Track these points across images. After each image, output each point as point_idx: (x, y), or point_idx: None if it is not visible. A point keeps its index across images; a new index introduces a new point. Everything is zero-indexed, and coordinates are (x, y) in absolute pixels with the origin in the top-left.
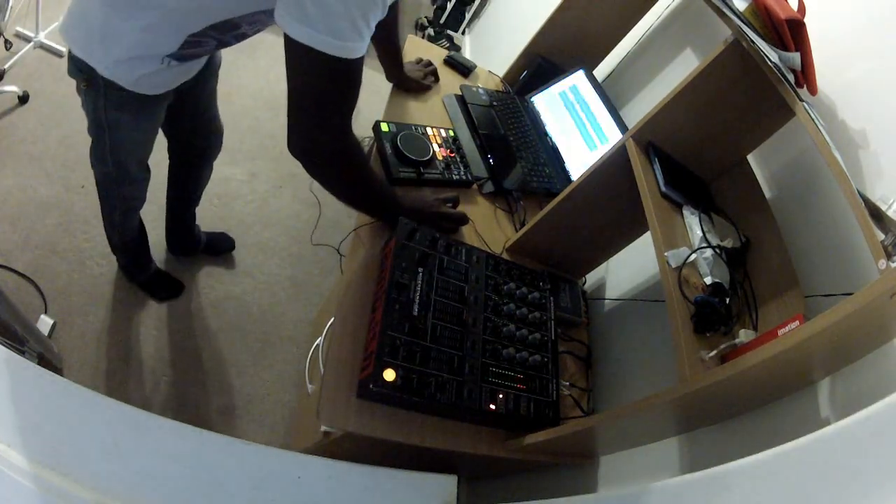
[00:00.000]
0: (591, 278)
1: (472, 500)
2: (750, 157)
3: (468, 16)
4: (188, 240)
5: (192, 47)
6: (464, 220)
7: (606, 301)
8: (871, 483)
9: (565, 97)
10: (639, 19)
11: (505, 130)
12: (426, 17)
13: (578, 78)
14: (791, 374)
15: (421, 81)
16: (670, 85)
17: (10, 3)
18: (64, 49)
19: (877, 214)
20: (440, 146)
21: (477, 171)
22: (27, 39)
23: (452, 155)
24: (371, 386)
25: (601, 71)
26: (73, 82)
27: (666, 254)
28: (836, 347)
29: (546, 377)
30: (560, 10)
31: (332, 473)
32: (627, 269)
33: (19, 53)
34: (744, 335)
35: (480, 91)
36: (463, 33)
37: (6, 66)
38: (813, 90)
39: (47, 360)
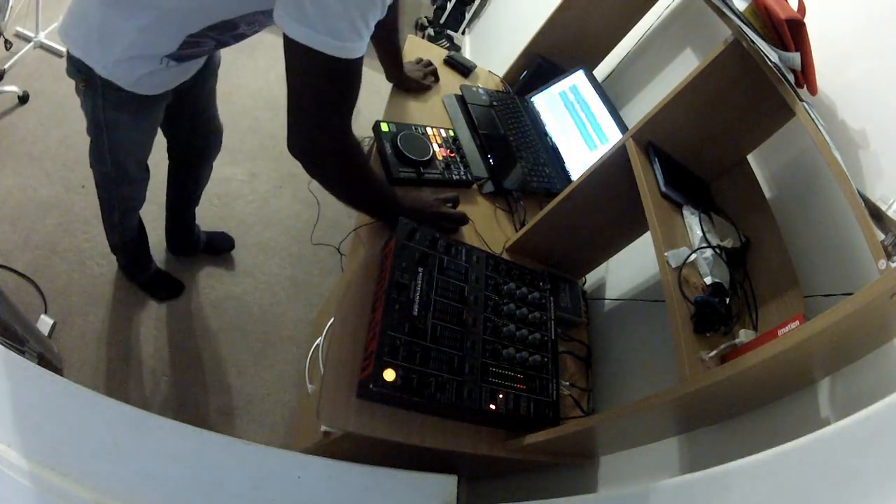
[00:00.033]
0: (591, 278)
1: (472, 500)
2: (750, 157)
3: (468, 16)
4: (188, 240)
5: (190, 48)
6: (464, 220)
7: (606, 301)
8: (871, 483)
9: (565, 97)
10: (639, 19)
11: (505, 130)
12: (426, 17)
13: (578, 78)
14: (791, 374)
15: (421, 81)
16: (670, 85)
17: (10, 3)
18: (64, 49)
19: (877, 214)
20: (440, 146)
21: (477, 171)
22: (27, 39)
23: (452, 155)
24: (371, 386)
25: (601, 71)
26: (73, 82)
27: (666, 254)
28: (836, 347)
29: (546, 377)
30: (560, 10)
31: (332, 473)
32: (627, 269)
33: (19, 53)
34: (744, 335)
35: (480, 91)
36: (463, 33)
37: (6, 66)
38: (813, 90)
39: (47, 360)
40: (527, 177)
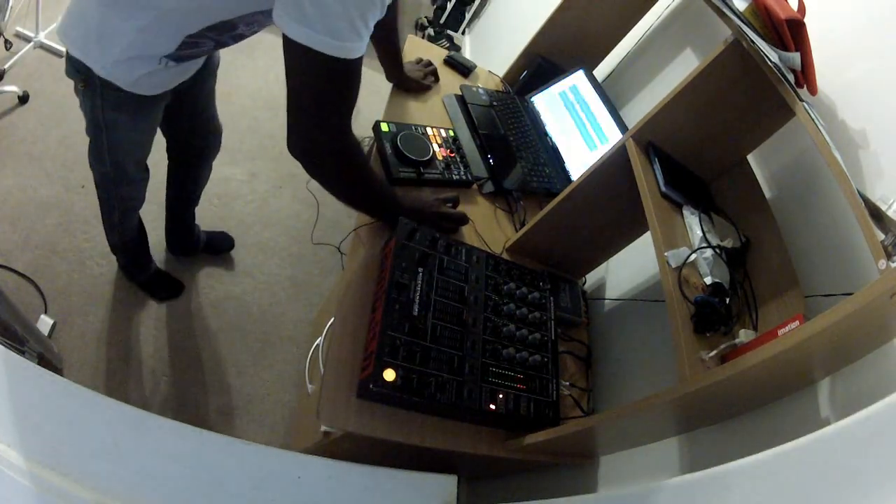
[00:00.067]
0: (591, 278)
1: (472, 500)
2: (750, 157)
3: (468, 16)
4: (188, 240)
5: (189, 48)
6: (464, 220)
7: (606, 301)
8: (871, 483)
9: (565, 97)
10: (639, 19)
11: (505, 130)
12: (426, 17)
13: (578, 78)
14: (791, 374)
15: (421, 81)
16: (670, 85)
17: (10, 3)
18: (64, 49)
19: (877, 214)
20: (440, 146)
21: (477, 171)
22: (27, 39)
23: (452, 155)
24: (371, 386)
25: (601, 71)
26: (73, 82)
27: (666, 254)
28: (836, 347)
29: (546, 377)
30: (560, 10)
31: (332, 473)
32: (627, 269)
33: (19, 53)
34: (744, 335)
35: (480, 91)
36: (463, 33)
37: (6, 66)
38: (813, 90)
39: (47, 360)
40: (527, 177)
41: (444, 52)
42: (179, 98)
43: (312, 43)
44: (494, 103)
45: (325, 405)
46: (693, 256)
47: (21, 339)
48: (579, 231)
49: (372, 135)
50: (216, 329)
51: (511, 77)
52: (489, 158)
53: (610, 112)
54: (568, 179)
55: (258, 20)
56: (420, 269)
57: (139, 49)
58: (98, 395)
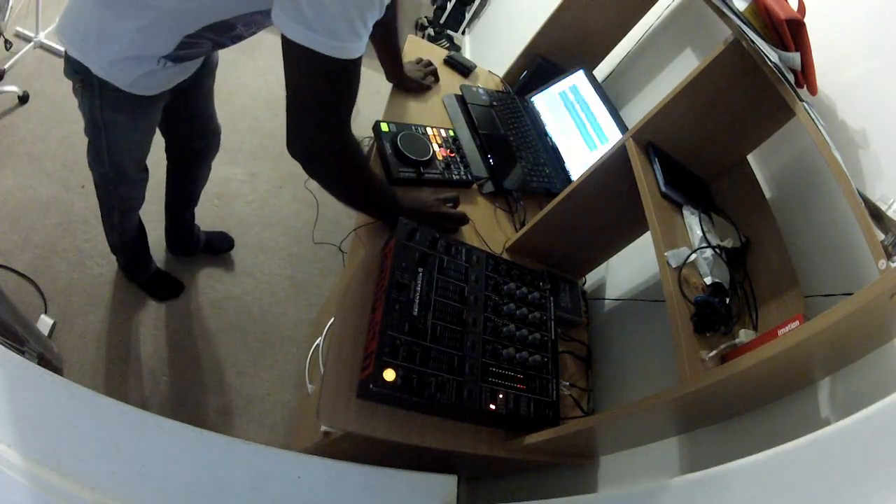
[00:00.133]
0: (591, 278)
1: (472, 500)
2: (750, 157)
3: (468, 16)
4: (187, 240)
5: (187, 48)
6: (464, 220)
7: (606, 301)
8: (871, 483)
9: (565, 97)
10: (639, 19)
11: (505, 130)
12: (426, 17)
13: (578, 78)
14: (791, 374)
15: (421, 81)
16: (670, 85)
17: (10, 3)
18: (63, 49)
19: (877, 214)
20: (440, 146)
21: (477, 171)
22: (27, 39)
23: (452, 155)
24: (371, 386)
25: (601, 71)
26: (72, 83)
27: (666, 254)
28: (836, 347)
29: (546, 377)
30: (560, 10)
31: (332, 473)
32: (627, 269)
33: (19, 53)
34: (744, 335)
35: (480, 91)
36: (463, 33)
37: (6, 66)
38: (813, 90)
39: (47, 360)
40: (527, 177)
41: (444, 52)
42: (178, 98)
43: (311, 43)
44: (494, 103)
45: (325, 405)
46: (693, 256)
47: (21, 339)
48: (579, 231)
49: (372, 135)
50: (216, 329)
51: (511, 77)
52: (489, 158)
53: (610, 112)
54: (568, 179)
55: (257, 21)
56: (420, 269)
57: (137, 49)
58: (98, 395)
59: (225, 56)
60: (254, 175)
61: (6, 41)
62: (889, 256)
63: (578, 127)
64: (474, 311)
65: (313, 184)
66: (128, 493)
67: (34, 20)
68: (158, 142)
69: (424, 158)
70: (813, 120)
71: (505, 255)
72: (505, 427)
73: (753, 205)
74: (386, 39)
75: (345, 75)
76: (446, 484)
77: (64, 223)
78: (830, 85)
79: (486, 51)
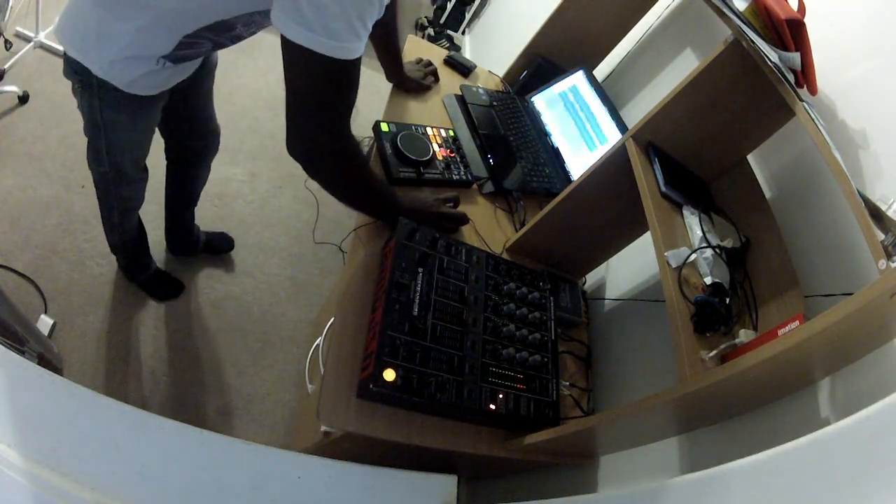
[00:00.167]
0: (591, 278)
1: (472, 500)
2: (750, 157)
3: (468, 16)
4: (187, 240)
5: (186, 49)
6: (464, 220)
7: (606, 301)
8: (871, 483)
9: (565, 97)
10: (639, 19)
11: (505, 130)
12: (426, 17)
13: (578, 78)
14: (791, 374)
15: (421, 81)
16: (670, 85)
17: (10, 3)
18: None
19: (877, 214)
20: (440, 146)
21: (477, 171)
22: (27, 39)
23: (452, 155)
24: (371, 386)
25: (601, 71)
26: (71, 83)
27: (666, 254)
28: (836, 347)
29: (546, 377)
30: (560, 10)
31: (332, 473)
32: (627, 269)
33: (19, 53)
34: (744, 335)
35: (480, 91)
36: (463, 33)
37: (6, 66)
38: (813, 90)
39: (47, 360)
40: (527, 177)
41: (444, 52)
42: (177, 98)
43: (310, 44)
44: (494, 103)
45: (325, 405)
46: (693, 256)
47: (21, 339)
48: (579, 231)
49: (372, 135)
50: (216, 329)
51: (511, 77)
52: (489, 158)
53: (610, 112)
54: (568, 179)
55: (256, 21)
56: (420, 269)
57: (136, 49)
58: (98, 395)
59: (225, 56)
60: (254, 175)
61: (6, 41)
62: (889, 256)
63: (578, 127)
64: (474, 311)
65: (313, 184)
66: (128, 493)
67: (34, 20)
68: (158, 142)
69: (424, 158)
70: (813, 120)
71: (505, 255)
72: (505, 427)
73: (753, 205)
74: (386, 39)
75: (344, 75)
76: (446, 484)
77: (64, 223)
78: (830, 85)
79: (486, 51)
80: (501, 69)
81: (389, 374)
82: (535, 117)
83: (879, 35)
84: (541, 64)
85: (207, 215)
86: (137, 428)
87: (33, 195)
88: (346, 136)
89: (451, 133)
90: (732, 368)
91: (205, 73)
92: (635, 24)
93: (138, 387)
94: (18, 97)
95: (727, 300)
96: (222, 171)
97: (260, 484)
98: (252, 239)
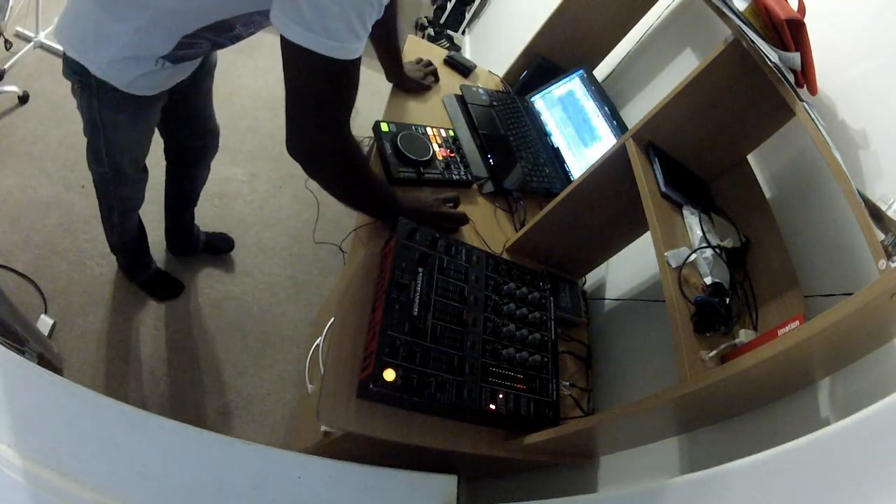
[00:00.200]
0: (591, 278)
1: (472, 500)
2: (750, 157)
3: (468, 16)
4: (187, 240)
5: (186, 49)
6: (464, 220)
7: (606, 301)
8: (871, 483)
9: (565, 97)
10: (639, 19)
11: (505, 130)
12: (426, 17)
13: (578, 78)
14: (791, 374)
15: (421, 81)
16: (670, 85)
17: (10, 3)
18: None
19: (877, 214)
20: (440, 146)
21: (477, 171)
22: (27, 39)
23: (452, 155)
24: (371, 386)
25: (601, 71)
26: (70, 83)
27: (666, 254)
28: (836, 347)
29: (546, 377)
30: (560, 11)
31: (332, 473)
32: (627, 269)
33: (19, 53)
34: (744, 335)
35: (480, 91)
36: (463, 33)
37: (6, 66)
38: (813, 90)
39: (47, 360)
40: (527, 177)
41: (444, 52)
42: (176, 98)
43: (310, 44)
44: (494, 103)
45: (325, 405)
46: (693, 256)
47: (21, 339)
48: (579, 231)
49: (372, 135)
50: (216, 329)
51: (511, 77)
52: (489, 158)
53: (610, 112)
54: (568, 179)
55: (255, 21)
56: (420, 269)
57: (136, 50)
58: (98, 395)
59: (224, 56)
60: (254, 175)
61: (6, 41)
62: (889, 256)
63: (579, 127)
64: (474, 311)
65: (314, 184)
66: (128, 493)
67: (34, 20)
68: (158, 142)
69: (424, 158)
70: (813, 120)
71: (505, 255)
72: (505, 427)
73: (753, 205)
74: (386, 39)
75: (344, 76)
76: (446, 484)
77: (64, 223)
78: (830, 85)
79: (486, 51)
80: (501, 69)
81: (389, 374)
82: (535, 117)
83: (879, 35)
84: (541, 64)
85: (207, 215)
86: (137, 428)
87: (33, 195)
88: (345, 136)
89: (451, 133)
90: (732, 368)
91: (204, 73)
92: (635, 24)
93: (138, 387)
94: (18, 97)
95: (727, 300)
96: (222, 171)
97: (260, 484)
98: (252, 239)
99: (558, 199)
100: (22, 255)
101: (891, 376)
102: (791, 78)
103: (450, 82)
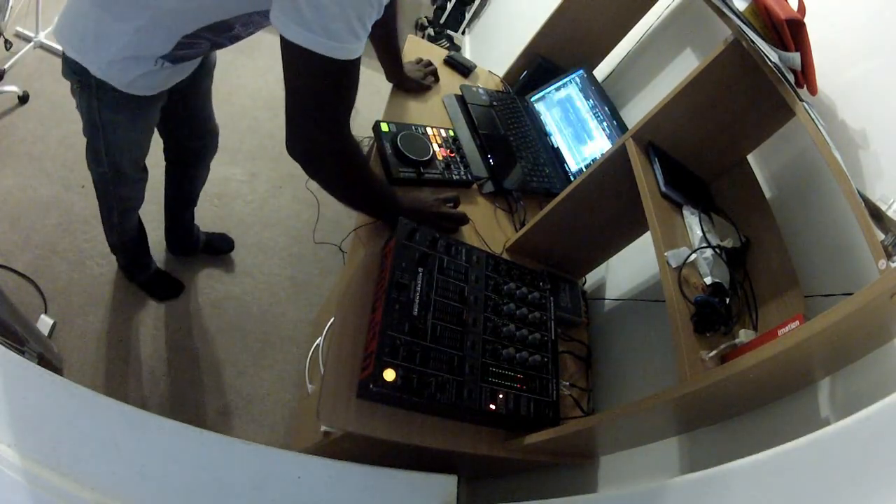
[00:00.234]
0: (591, 278)
1: (472, 500)
2: (750, 157)
3: (468, 16)
4: (187, 240)
5: (185, 49)
6: (464, 220)
7: (606, 301)
8: (871, 483)
9: (565, 97)
10: (639, 19)
11: (505, 130)
12: (426, 17)
13: (578, 78)
14: (791, 374)
15: (421, 81)
16: (670, 85)
17: (10, 3)
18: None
19: (877, 214)
20: (440, 146)
21: (477, 171)
22: (27, 39)
23: (452, 155)
24: (371, 386)
25: (601, 71)
26: (70, 83)
27: (666, 254)
28: (836, 347)
29: (546, 377)
30: (560, 10)
31: (332, 473)
32: (627, 269)
33: (19, 53)
34: (744, 335)
35: (480, 91)
36: (463, 33)
37: (6, 66)
38: (813, 90)
39: (47, 360)
40: (527, 177)
41: (444, 52)
42: (176, 98)
43: (310, 44)
44: (494, 103)
45: (325, 405)
46: (693, 256)
47: (21, 339)
48: (579, 231)
49: (372, 135)
50: (216, 329)
51: (511, 77)
52: (489, 158)
53: (610, 112)
54: (568, 179)
55: (255, 21)
56: (420, 269)
57: (135, 49)
58: (98, 395)
59: (224, 56)
60: (253, 175)
61: (6, 41)
62: (889, 256)
63: (578, 126)
64: (474, 311)
65: (314, 184)
66: (128, 493)
67: (34, 20)
68: (157, 142)
69: (424, 158)
70: (813, 120)
71: (505, 255)
72: (505, 427)
73: (753, 205)
74: (386, 40)
75: (344, 76)
76: (446, 484)
77: (64, 223)
78: (830, 85)
79: (486, 51)
80: (501, 69)
81: (389, 374)
82: (535, 117)
83: (879, 35)
84: (541, 64)
85: (207, 215)
86: (137, 428)
87: (33, 195)
88: (345, 136)
89: (451, 133)
90: (732, 368)
91: (203, 73)
92: (635, 24)
93: (138, 387)
94: (18, 97)
95: (727, 300)
96: (222, 171)
97: (260, 484)
98: (252, 239)
99: (558, 199)
100: (22, 255)
101: (891, 376)
102: (791, 78)
103: (450, 82)
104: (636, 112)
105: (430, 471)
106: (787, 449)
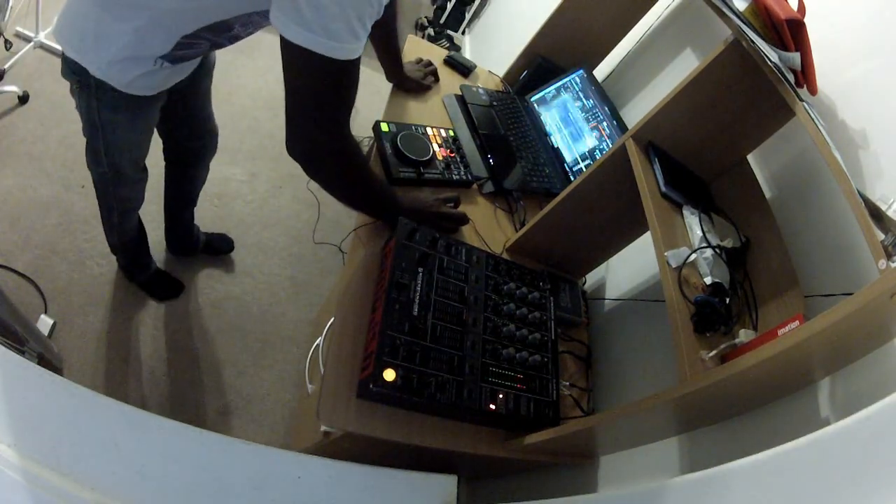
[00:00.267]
0: (591, 278)
1: (472, 500)
2: (750, 157)
3: (468, 16)
4: (187, 240)
5: (185, 49)
6: (464, 220)
7: (606, 301)
8: (871, 483)
9: (565, 97)
10: (639, 19)
11: (505, 130)
12: (426, 17)
13: (578, 77)
14: (791, 374)
15: (421, 81)
16: (670, 85)
17: (10, 3)
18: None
19: (877, 214)
20: (440, 146)
21: (477, 171)
22: (27, 39)
23: (452, 155)
24: (371, 386)
25: (601, 71)
26: (69, 83)
27: (666, 254)
28: (836, 347)
29: (546, 377)
30: (560, 10)
31: (332, 473)
32: (627, 269)
33: (19, 53)
34: (744, 335)
35: (480, 91)
36: (463, 33)
37: (6, 66)
38: (813, 90)
39: (47, 360)
40: (527, 177)
41: (444, 52)
42: (175, 99)
43: (309, 44)
44: (494, 103)
45: (325, 405)
46: (693, 256)
47: (21, 339)
48: (579, 231)
49: (372, 135)
50: (216, 329)
51: (511, 77)
52: (489, 158)
53: (610, 112)
54: (568, 179)
55: (255, 21)
56: (420, 269)
57: (134, 50)
58: (98, 395)
59: (224, 56)
60: (253, 175)
61: (6, 41)
62: (889, 256)
63: (578, 127)
64: (474, 311)
65: (315, 184)
66: (128, 493)
67: (34, 20)
68: (157, 142)
69: (424, 158)
70: (813, 120)
71: (505, 255)
72: (505, 427)
73: (753, 205)
74: (386, 40)
75: (343, 76)
76: (446, 484)
77: (64, 223)
78: (830, 85)
79: (486, 51)
80: (501, 69)
81: (389, 374)
82: (535, 117)
83: (879, 35)
84: (541, 64)
85: (207, 215)
86: (137, 428)
87: (33, 195)
88: (345, 136)
89: (451, 133)
90: (732, 368)
91: (203, 73)
92: (635, 24)
93: (138, 387)
94: (18, 97)
95: (727, 300)
96: (221, 171)
97: (260, 484)
98: (252, 239)
99: (558, 199)
100: (22, 255)
101: (891, 376)
102: (791, 78)
103: (450, 82)
104: (636, 112)
105: (430, 471)
106: (787, 449)
